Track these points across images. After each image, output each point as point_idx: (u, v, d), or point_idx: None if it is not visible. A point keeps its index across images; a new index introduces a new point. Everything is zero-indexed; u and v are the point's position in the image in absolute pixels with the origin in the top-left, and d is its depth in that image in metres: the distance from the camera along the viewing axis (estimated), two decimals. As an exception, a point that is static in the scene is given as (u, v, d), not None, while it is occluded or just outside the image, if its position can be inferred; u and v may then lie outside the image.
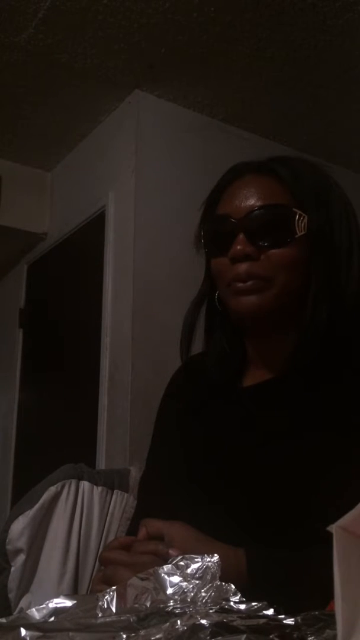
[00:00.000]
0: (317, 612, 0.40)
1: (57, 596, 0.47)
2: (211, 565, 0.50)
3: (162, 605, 0.46)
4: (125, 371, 2.14)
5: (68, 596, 0.47)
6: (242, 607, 0.44)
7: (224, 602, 0.45)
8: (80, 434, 2.33)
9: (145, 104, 2.35)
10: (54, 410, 2.65)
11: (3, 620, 0.43)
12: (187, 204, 1.85)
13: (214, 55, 2.14)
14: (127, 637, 0.38)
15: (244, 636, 0.36)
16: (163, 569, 0.51)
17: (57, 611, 0.46)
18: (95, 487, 1.03)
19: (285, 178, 0.84)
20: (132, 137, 2.33)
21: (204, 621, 0.39)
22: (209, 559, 0.51)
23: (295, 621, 0.40)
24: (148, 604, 0.48)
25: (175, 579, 0.50)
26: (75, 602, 0.47)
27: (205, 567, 0.50)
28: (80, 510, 1.00)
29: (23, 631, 0.39)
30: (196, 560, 0.51)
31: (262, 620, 0.40)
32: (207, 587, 0.48)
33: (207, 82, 2.30)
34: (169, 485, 0.89)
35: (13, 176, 2.81)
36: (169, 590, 0.49)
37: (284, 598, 0.47)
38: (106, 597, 0.48)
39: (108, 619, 0.43)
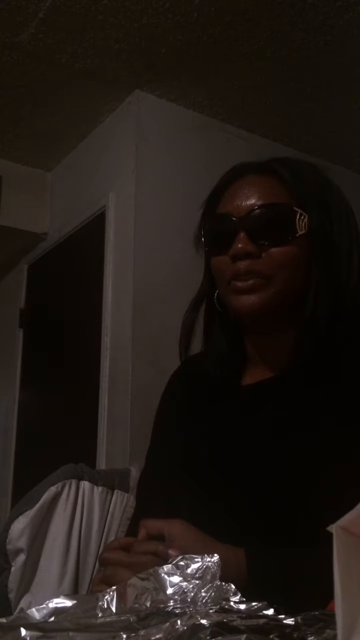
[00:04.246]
0: (317, 612, 0.40)
1: (57, 596, 0.47)
2: (211, 565, 0.50)
3: (162, 605, 0.46)
4: (125, 371, 2.14)
5: (68, 596, 0.47)
6: (242, 607, 0.44)
7: (224, 602, 0.45)
8: (80, 434, 2.33)
9: (145, 104, 2.35)
10: (54, 410, 2.65)
11: (3, 620, 0.43)
12: (187, 203, 1.85)
13: (214, 55, 2.14)
14: (127, 637, 0.38)
15: (244, 636, 0.36)
16: (163, 569, 0.50)
17: (57, 611, 0.46)
18: (95, 487, 1.03)
19: (286, 178, 0.84)
20: (132, 137, 2.33)
21: (204, 621, 0.39)
22: (209, 559, 0.51)
23: (295, 621, 0.40)
24: (148, 604, 0.48)
25: (175, 579, 0.50)
26: (75, 602, 0.47)
27: (205, 567, 0.50)
28: (80, 511, 1.00)
29: (23, 631, 0.39)
30: (196, 560, 0.51)
31: (262, 620, 0.40)
32: (207, 587, 0.48)
33: (207, 82, 2.30)
34: (169, 484, 0.90)
35: (13, 176, 2.81)
36: (169, 590, 0.49)
37: (284, 598, 0.47)
38: (106, 597, 0.48)
39: (108, 619, 0.43)
